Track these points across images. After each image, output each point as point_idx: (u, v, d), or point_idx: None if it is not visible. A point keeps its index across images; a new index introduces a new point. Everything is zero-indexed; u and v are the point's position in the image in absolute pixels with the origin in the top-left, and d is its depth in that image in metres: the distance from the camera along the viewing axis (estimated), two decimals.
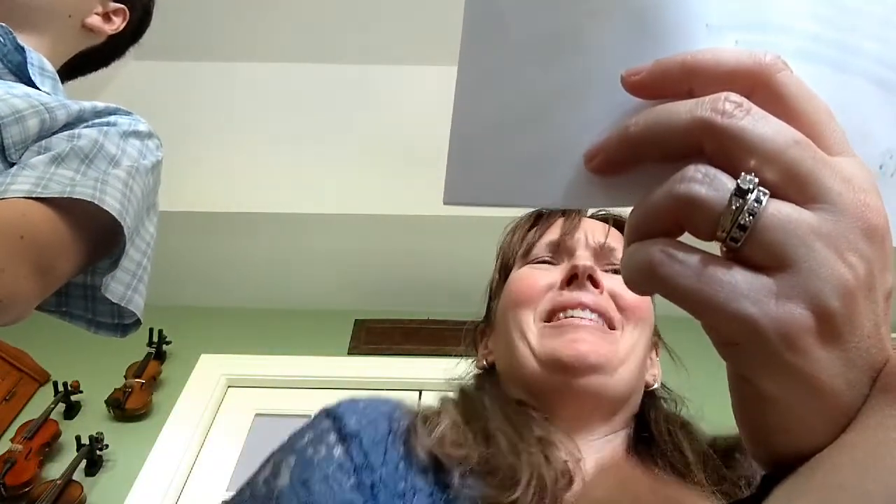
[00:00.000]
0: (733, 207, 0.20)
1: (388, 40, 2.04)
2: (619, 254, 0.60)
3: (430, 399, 0.53)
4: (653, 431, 0.53)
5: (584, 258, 0.57)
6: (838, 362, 0.21)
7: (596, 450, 0.51)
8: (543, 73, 0.24)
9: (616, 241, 0.60)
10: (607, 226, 0.61)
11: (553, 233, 0.61)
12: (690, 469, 0.47)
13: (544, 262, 0.59)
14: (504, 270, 0.62)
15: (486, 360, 0.62)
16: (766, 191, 0.20)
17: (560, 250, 0.59)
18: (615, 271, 0.58)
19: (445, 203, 0.25)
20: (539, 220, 0.63)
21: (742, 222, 0.20)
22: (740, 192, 0.20)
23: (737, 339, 0.21)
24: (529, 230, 0.63)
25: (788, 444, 0.22)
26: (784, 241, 0.20)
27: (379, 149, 2.01)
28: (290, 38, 2.09)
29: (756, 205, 0.20)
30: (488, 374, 0.60)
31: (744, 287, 0.20)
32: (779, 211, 0.20)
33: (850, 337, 0.21)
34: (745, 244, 0.20)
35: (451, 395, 0.57)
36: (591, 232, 0.60)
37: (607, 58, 0.24)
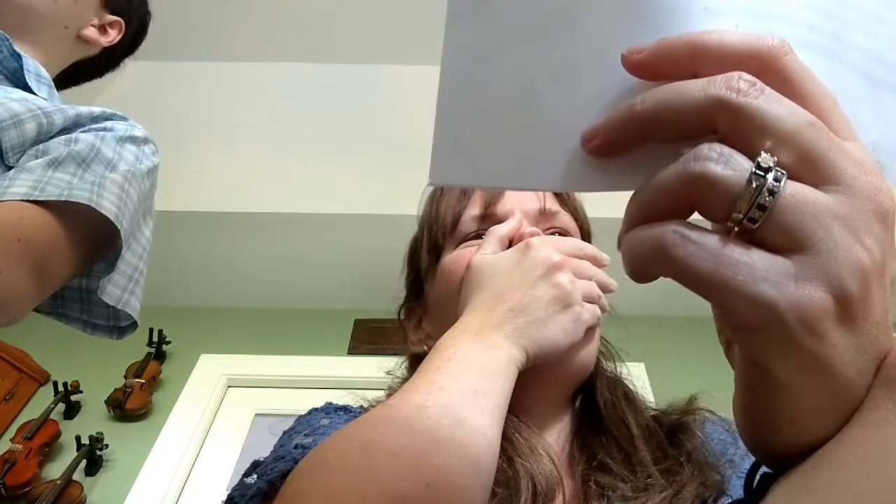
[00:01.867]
0: (753, 187, 0.19)
1: (388, 40, 2.04)
2: (562, 217, 0.56)
3: None
4: (598, 402, 0.51)
5: (525, 224, 0.53)
6: (851, 349, 0.20)
7: (555, 439, 0.49)
8: (534, 51, 0.24)
9: (551, 201, 0.56)
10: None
11: (475, 205, 0.55)
12: (635, 445, 0.46)
13: (475, 237, 0.54)
14: (434, 251, 0.57)
15: (427, 346, 0.56)
16: (784, 171, 0.20)
17: (490, 222, 0.54)
18: (558, 234, 0.55)
19: (430, 183, 0.25)
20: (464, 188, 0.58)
21: (761, 202, 0.19)
22: (760, 171, 0.19)
23: (754, 324, 0.20)
24: (455, 199, 0.57)
25: (794, 434, 0.22)
26: (802, 222, 0.20)
27: (379, 149, 2.01)
28: (290, 38, 2.09)
29: (776, 184, 0.19)
30: None
31: (762, 269, 0.19)
32: (797, 191, 0.20)
33: (863, 323, 0.20)
34: (763, 225, 0.20)
35: (397, 387, 0.54)
36: (522, 197, 0.55)
37: (602, 38, 0.23)
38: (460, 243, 0.55)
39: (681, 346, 1.85)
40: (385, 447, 0.33)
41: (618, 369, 0.56)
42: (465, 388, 0.38)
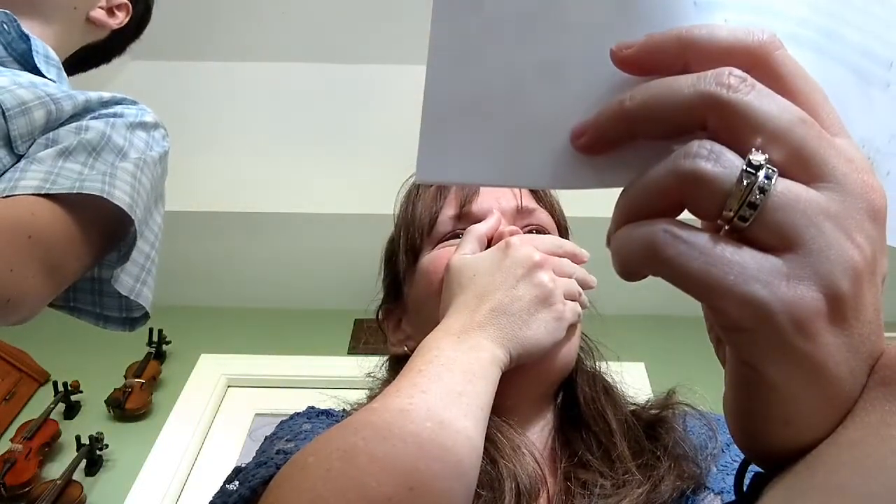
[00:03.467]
0: (744, 184, 0.19)
1: (388, 40, 2.04)
2: (539, 214, 0.56)
3: None
4: (578, 398, 0.51)
5: (503, 222, 0.53)
6: (843, 349, 0.20)
7: (538, 436, 0.50)
8: (522, 47, 0.23)
9: (528, 199, 0.56)
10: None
11: (451, 205, 0.55)
12: (614, 440, 0.46)
13: (453, 237, 0.54)
14: (412, 252, 0.56)
15: (408, 347, 0.57)
16: (775, 168, 0.19)
17: (467, 221, 0.54)
18: (536, 231, 0.55)
19: (418, 181, 0.24)
20: (440, 186, 0.57)
21: (752, 200, 0.19)
22: (751, 169, 0.19)
23: (745, 324, 0.20)
24: (430, 199, 0.56)
25: (787, 436, 0.22)
26: (794, 220, 0.19)
27: (378, 148, 2.01)
28: (290, 38, 2.09)
29: (767, 181, 0.19)
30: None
31: (753, 268, 0.19)
32: (788, 189, 0.19)
33: (854, 322, 0.20)
34: (754, 223, 0.19)
35: (378, 392, 0.54)
36: (498, 195, 0.55)
37: (591, 33, 0.23)
38: (438, 243, 0.55)
39: (681, 345, 1.85)
40: (367, 452, 0.33)
41: (597, 365, 0.56)
42: (448, 390, 0.37)
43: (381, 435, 0.34)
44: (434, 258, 0.53)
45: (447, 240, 0.55)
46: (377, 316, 0.65)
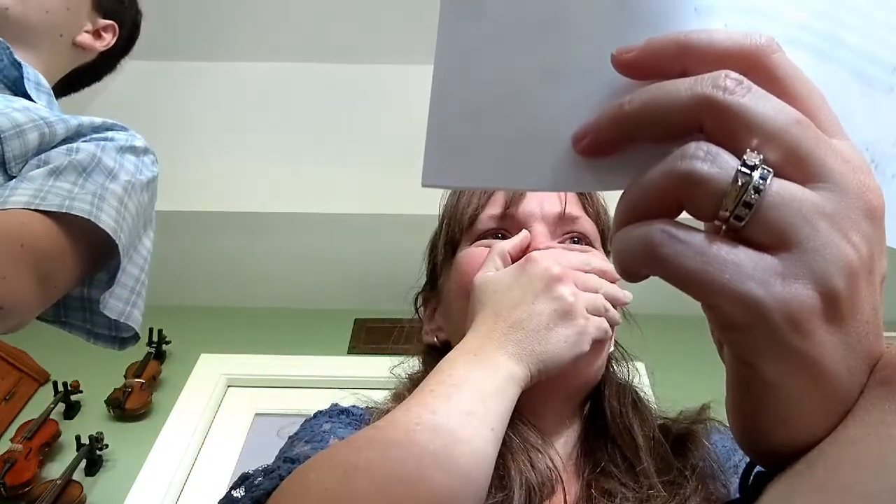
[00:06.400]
0: (739, 184, 0.19)
1: (388, 40, 2.04)
2: (583, 222, 0.56)
3: None
4: (605, 410, 0.51)
5: (540, 236, 0.52)
6: (840, 347, 0.20)
7: (563, 444, 0.50)
8: (525, 53, 0.24)
9: (573, 206, 0.55)
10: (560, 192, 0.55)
11: (495, 204, 0.55)
12: (639, 455, 0.46)
13: (492, 235, 0.55)
14: (451, 245, 0.57)
15: (438, 338, 0.58)
16: (770, 169, 0.20)
17: (509, 222, 0.54)
18: (577, 240, 0.54)
19: (423, 185, 0.25)
20: None
21: (747, 200, 0.19)
22: (746, 169, 0.19)
23: (741, 323, 0.20)
24: (476, 195, 0.56)
25: (787, 435, 0.22)
26: (789, 219, 0.19)
27: (379, 149, 2.01)
28: (289, 39, 2.09)
29: (762, 181, 0.19)
30: (440, 355, 0.57)
31: (749, 267, 0.19)
32: (783, 189, 0.20)
33: (851, 320, 0.20)
34: (750, 223, 0.20)
35: (402, 389, 0.55)
36: (543, 199, 0.54)
37: (593, 39, 0.23)
38: (476, 240, 0.55)
39: (680, 345, 1.85)
40: (367, 474, 0.33)
41: (630, 376, 0.56)
42: (458, 410, 0.37)
43: (382, 457, 0.34)
44: (468, 255, 0.54)
45: (485, 237, 0.55)
46: (415, 302, 0.65)
